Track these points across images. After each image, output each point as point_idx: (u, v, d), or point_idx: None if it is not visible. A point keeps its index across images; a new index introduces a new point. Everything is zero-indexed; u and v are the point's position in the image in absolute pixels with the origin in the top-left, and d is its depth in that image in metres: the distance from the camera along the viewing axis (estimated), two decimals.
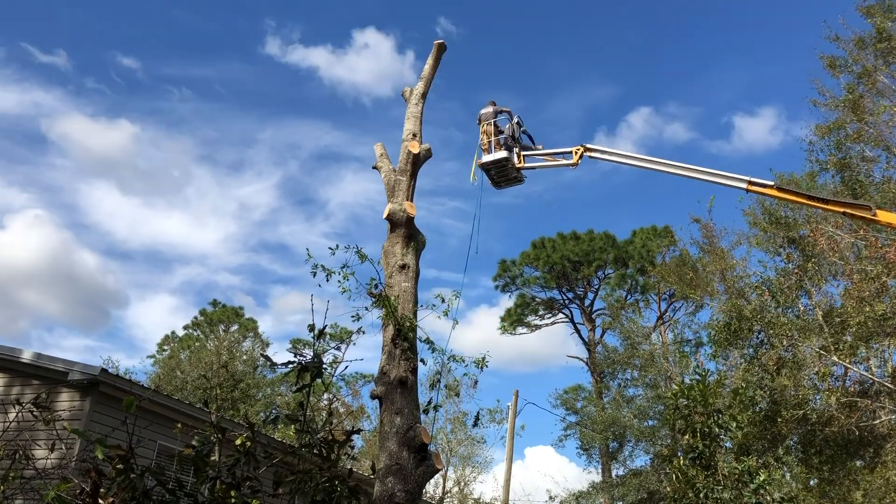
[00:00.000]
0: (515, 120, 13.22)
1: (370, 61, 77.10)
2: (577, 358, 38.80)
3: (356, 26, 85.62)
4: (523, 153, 13.07)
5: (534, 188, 74.50)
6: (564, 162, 12.99)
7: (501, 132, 13.04)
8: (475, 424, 9.60)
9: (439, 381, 7.89)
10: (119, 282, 70.85)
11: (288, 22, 78.98)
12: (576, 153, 12.76)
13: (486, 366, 7.98)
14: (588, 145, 12.79)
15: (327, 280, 7.56)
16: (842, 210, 11.45)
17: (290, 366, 4.31)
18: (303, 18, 79.81)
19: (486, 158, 12.86)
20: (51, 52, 71.75)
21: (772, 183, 11.65)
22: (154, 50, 78.61)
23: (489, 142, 12.97)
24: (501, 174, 13.06)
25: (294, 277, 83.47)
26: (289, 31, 76.80)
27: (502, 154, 12.78)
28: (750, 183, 11.70)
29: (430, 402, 7.64)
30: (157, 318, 76.63)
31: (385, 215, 8.47)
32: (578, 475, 72.72)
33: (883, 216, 10.99)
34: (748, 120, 73.50)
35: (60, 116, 72.99)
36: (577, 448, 32.63)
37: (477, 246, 13.57)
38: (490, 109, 13.32)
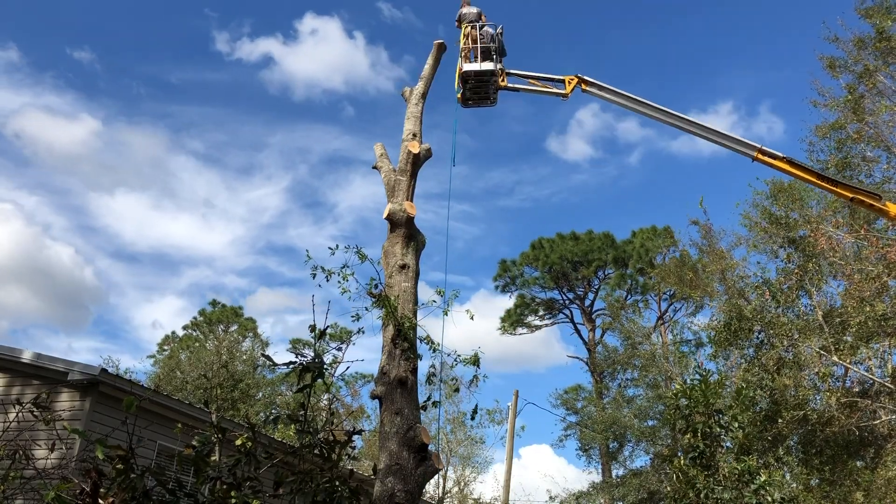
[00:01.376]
0: (499, 30, 11.55)
1: (324, 49, 75.88)
2: (578, 358, 38.85)
3: (296, 16, 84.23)
4: (507, 71, 11.47)
5: (542, 192, 74.26)
6: (554, 90, 11.55)
7: (482, 39, 11.47)
8: (473, 417, 9.51)
9: (434, 375, 7.86)
10: (97, 276, 70.56)
11: (231, 14, 77.74)
12: (569, 83, 11.42)
13: (480, 375, 7.89)
14: (584, 77, 11.44)
15: (327, 280, 7.56)
16: (851, 195, 11.08)
17: (291, 366, 4.31)
18: (243, 10, 78.42)
19: (472, 67, 11.20)
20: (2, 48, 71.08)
21: (782, 155, 11.09)
22: (107, 44, 77.83)
23: (472, 48, 11.33)
24: (478, 90, 11.49)
25: (301, 280, 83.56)
26: (237, 25, 75.95)
27: (490, 66, 11.15)
28: (760, 151, 11.00)
29: (428, 398, 7.64)
30: (164, 319, 76.84)
31: (385, 215, 8.47)
32: (576, 474, 73.11)
33: (892, 207, 10.90)
34: (703, 117, 73.12)
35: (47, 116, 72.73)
36: (576, 448, 32.69)
37: (454, 160, 11.80)
38: (474, 10, 11.70)
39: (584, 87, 11.44)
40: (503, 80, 11.36)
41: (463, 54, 11.29)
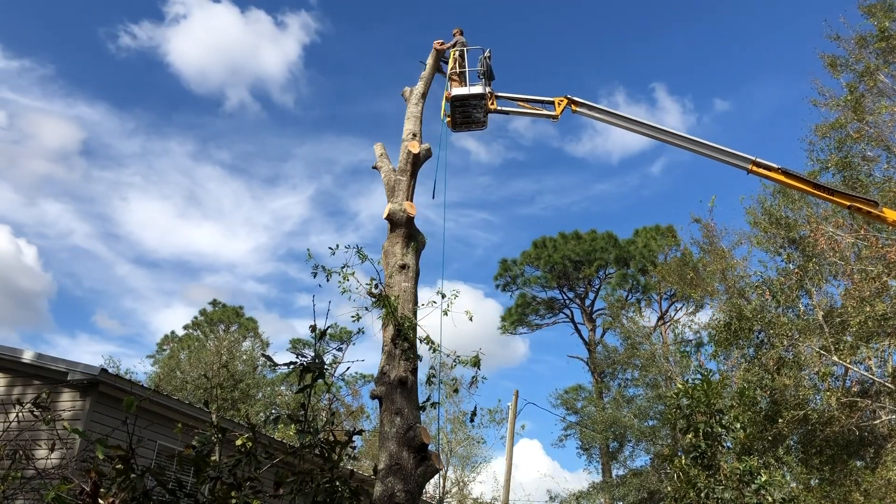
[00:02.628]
0: (486, 54, 11.57)
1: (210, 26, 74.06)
2: (578, 358, 38.84)
3: None
4: (496, 94, 11.49)
5: (563, 200, 74.09)
6: (544, 112, 11.56)
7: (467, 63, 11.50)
8: (472, 420, 9.52)
9: (434, 375, 7.85)
10: (42, 259, 69.68)
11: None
12: (558, 104, 11.41)
13: (480, 376, 7.91)
14: (574, 97, 11.43)
15: (328, 280, 7.55)
16: (848, 203, 11.04)
17: (291, 366, 4.31)
18: None
19: (460, 91, 11.18)
20: None
21: (777, 166, 11.01)
22: None
23: (461, 72, 11.35)
24: (467, 114, 11.51)
25: (318, 287, 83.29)
26: (116, 20, 73.76)
27: (479, 89, 11.19)
28: (755, 164, 10.92)
29: (428, 399, 7.63)
30: (181, 323, 76.99)
31: (385, 215, 8.46)
32: (571, 473, 73.40)
33: (889, 213, 10.89)
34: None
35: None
36: (577, 448, 32.69)
37: (445, 193, 11.98)
38: (462, 38, 11.76)
39: (574, 107, 11.43)
40: (492, 104, 11.39)
41: (452, 80, 11.29)
